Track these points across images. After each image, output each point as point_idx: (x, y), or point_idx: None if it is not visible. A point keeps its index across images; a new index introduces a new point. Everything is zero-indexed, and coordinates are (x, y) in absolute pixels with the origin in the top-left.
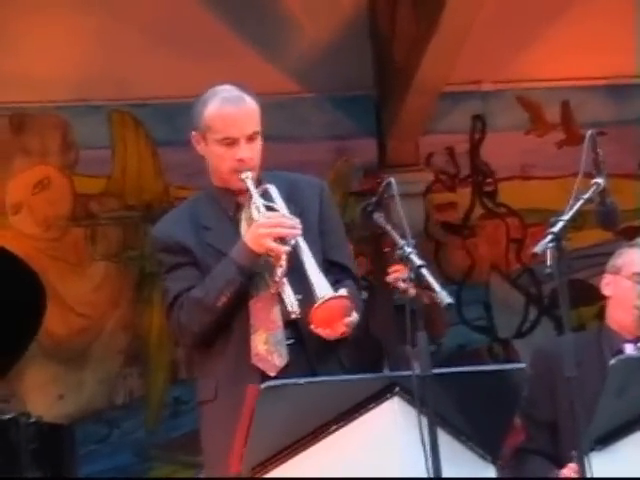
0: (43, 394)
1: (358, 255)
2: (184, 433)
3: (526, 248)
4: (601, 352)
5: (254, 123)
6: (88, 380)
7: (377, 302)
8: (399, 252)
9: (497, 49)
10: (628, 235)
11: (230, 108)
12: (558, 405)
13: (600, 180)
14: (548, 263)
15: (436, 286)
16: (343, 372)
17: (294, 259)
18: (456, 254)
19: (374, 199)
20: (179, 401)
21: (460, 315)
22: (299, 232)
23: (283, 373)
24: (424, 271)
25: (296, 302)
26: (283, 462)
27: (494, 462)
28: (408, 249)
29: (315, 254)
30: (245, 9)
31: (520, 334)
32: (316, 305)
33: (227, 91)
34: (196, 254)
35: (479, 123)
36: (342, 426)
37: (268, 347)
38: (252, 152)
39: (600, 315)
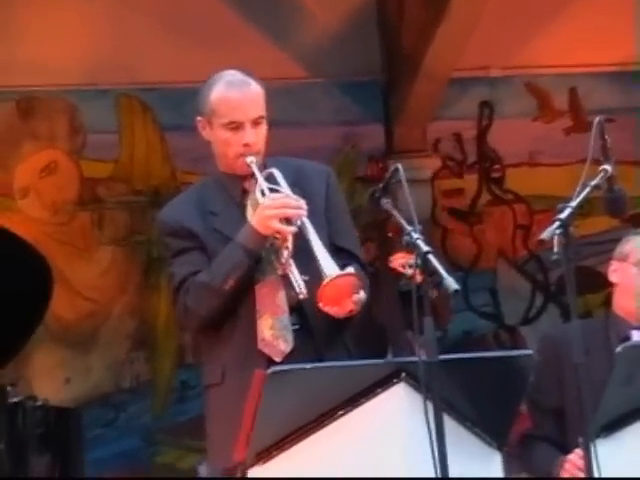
0: (50, 378)
1: (365, 241)
2: (191, 418)
3: (533, 235)
4: (608, 339)
5: (259, 107)
6: (95, 364)
7: (381, 288)
8: (406, 238)
9: (505, 35)
10: (635, 222)
11: (235, 92)
12: (565, 392)
13: (608, 167)
14: (555, 250)
15: (443, 272)
16: (349, 357)
17: (300, 241)
18: (463, 240)
19: (381, 185)
20: (186, 386)
21: (467, 301)
22: (304, 212)
23: (289, 359)
24: (431, 257)
25: (303, 283)
26: (289, 447)
27: (500, 448)
28: (415, 235)
29: (322, 240)
30: None
31: (526, 321)
32: (324, 283)
33: (232, 75)
34: (202, 239)
35: (487, 109)
36: (348, 411)
37: (274, 332)
38: (257, 137)
39: (607, 302)
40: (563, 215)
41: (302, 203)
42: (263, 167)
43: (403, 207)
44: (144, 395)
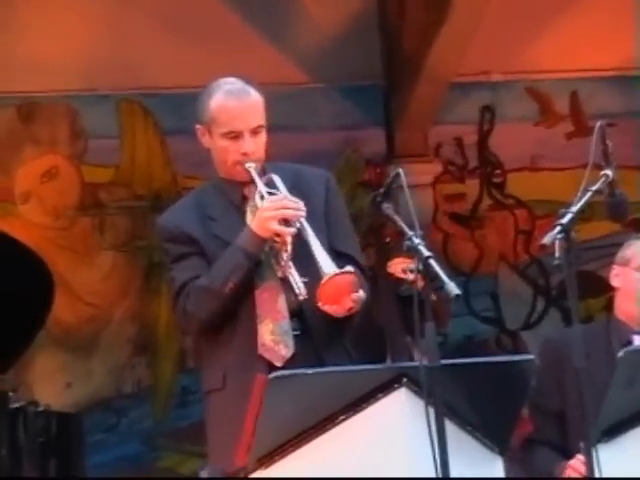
0: (51, 382)
1: (365, 247)
2: (192, 422)
3: (534, 239)
4: (609, 343)
5: (258, 116)
6: (96, 369)
7: (379, 293)
8: (407, 243)
9: (507, 40)
10: (637, 227)
11: (234, 101)
12: (566, 396)
13: (609, 172)
14: (557, 254)
15: (444, 277)
16: (350, 362)
17: (298, 245)
18: (464, 245)
19: (382, 189)
20: (187, 391)
21: (468, 306)
22: (303, 213)
23: (290, 364)
24: (432, 262)
25: (302, 284)
26: (290, 452)
27: (502, 453)
28: (416, 240)
29: (322, 244)
30: None
31: (528, 325)
32: (323, 281)
33: (231, 84)
34: (202, 244)
35: (488, 114)
36: (349, 417)
37: (274, 337)
38: (256, 145)
39: (608, 307)
40: (564, 220)
41: (301, 205)
42: (262, 173)
43: (404, 212)
44: (145, 400)
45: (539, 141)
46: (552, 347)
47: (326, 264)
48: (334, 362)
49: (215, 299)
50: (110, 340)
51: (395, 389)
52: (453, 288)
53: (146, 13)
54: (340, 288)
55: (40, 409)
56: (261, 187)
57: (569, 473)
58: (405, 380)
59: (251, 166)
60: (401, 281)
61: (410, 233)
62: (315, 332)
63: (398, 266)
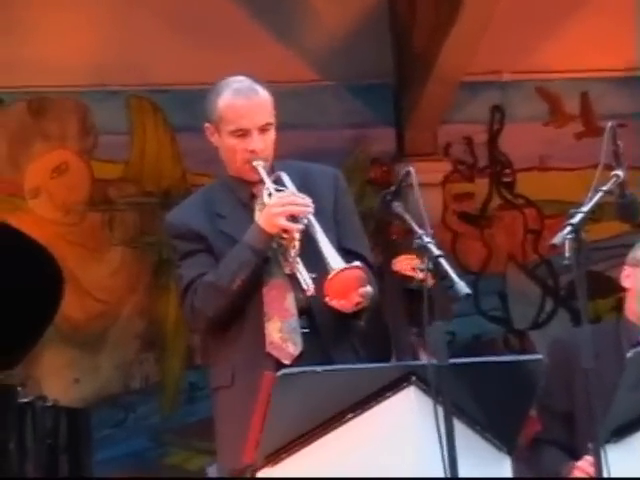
0: (59, 378)
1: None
2: (199, 419)
3: (543, 239)
4: (619, 344)
5: (266, 114)
6: (104, 365)
7: (384, 290)
8: (417, 242)
9: (517, 40)
10: None
11: (242, 99)
12: (575, 396)
13: (620, 172)
14: (566, 254)
15: (454, 276)
16: (358, 360)
17: (306, 241)
18: (473, 244)
19: (393, 188)
20: (195, 387)
21: (476, 305)
22: (311, 209)
23: (298, 361)
24: (442, 261)
25: (310, 280)
26: (298, 450)
27: (510, 453)
28: (426, 239)
29: (330, 242)
30: None
31: (536, 325)
32: (330, 276)
33: (239, 82)
34: (210, 242)
35: (498, 113)
36: (358, 415)
37: (282, 335)
38: (264, 143)
39: (617, 307)
40: (575, 220)
41: (308, 201)
42: (271, 171)
43: (413, 210)
44: (153, 396)
45: (549, 141)
46: (561, 347)
47: (334, 259)
48: (342, 360)
49: (222, 296)
50: (118, 336)
51: (404, 387)
52: (463, 287)
53: (155, 10)
54: (348, 283)
55: (48, 404)
56: (269, 184)
57: (576, 474)
58: (414, 379)
59: (259, 164)
60: (407, 278)
61: (420, 232)
62: (323, 330)
63: (404, 263)
